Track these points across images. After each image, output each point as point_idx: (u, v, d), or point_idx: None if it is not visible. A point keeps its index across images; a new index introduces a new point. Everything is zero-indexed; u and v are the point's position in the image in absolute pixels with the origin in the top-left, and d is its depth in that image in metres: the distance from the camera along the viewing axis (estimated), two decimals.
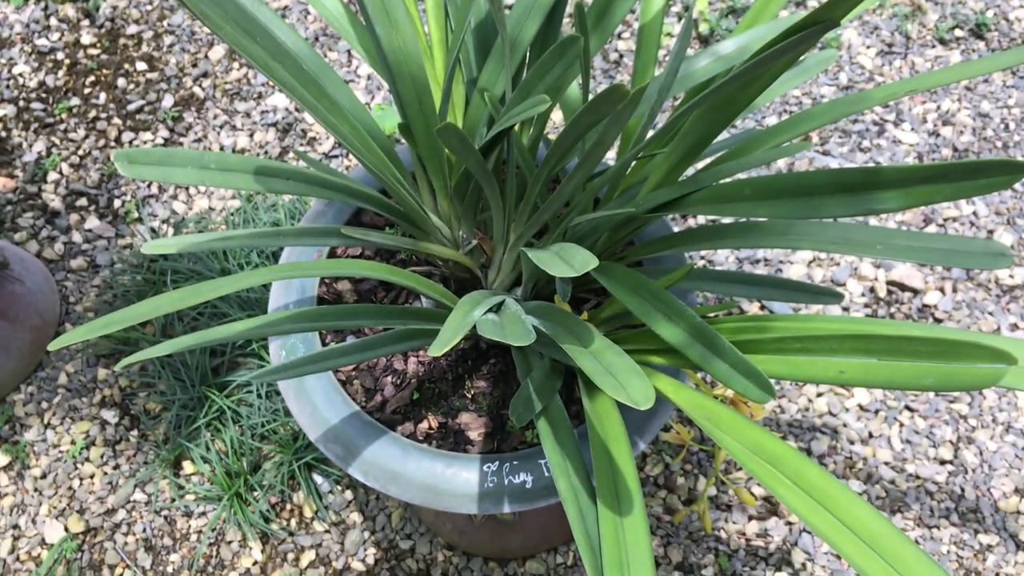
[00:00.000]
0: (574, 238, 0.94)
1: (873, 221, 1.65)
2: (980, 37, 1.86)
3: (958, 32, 1.87)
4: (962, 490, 1.42)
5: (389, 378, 1.02)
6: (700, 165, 1.41)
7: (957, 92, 1.79)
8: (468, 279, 1.06)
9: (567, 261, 0.59)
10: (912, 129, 1.75)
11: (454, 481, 0.94)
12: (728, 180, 0.82)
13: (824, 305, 1.54)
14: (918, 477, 1.43)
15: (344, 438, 0.97)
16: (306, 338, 1.02)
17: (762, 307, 1.58)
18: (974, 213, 1.66)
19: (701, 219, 1.67)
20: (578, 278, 1.00)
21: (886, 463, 1.44)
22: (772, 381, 0.83)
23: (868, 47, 1.86)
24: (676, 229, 1.10)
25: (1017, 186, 1.69)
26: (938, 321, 1.56)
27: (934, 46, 1.86)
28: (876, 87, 0.81)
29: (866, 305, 1.58)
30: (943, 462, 1.44)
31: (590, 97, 1.10)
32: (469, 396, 1.01)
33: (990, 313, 1.56)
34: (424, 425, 0.99)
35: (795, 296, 1.01)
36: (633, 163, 1.00)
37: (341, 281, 1.09)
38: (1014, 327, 1.55)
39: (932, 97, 1.78)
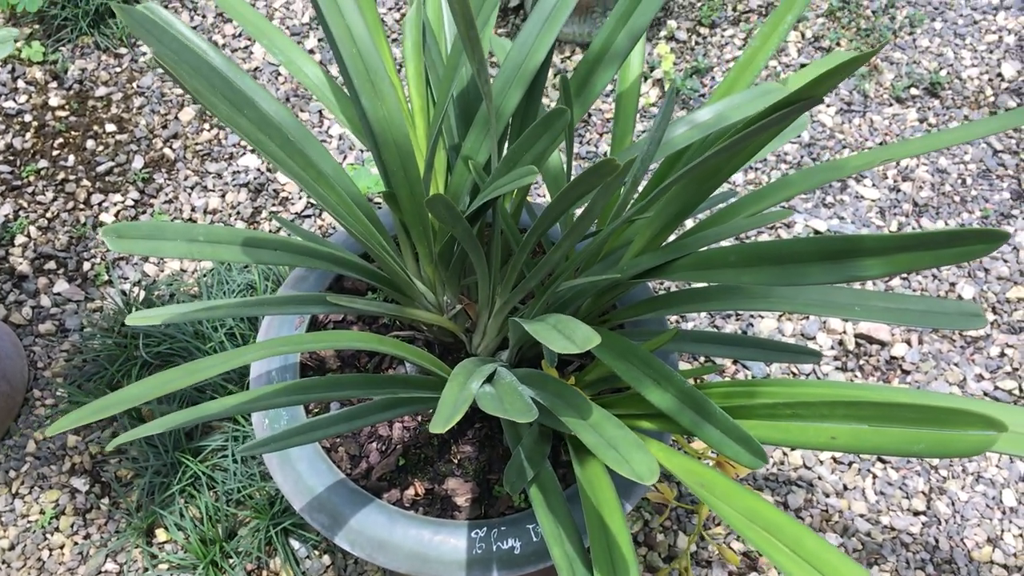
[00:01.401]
0: (559, 303, 0.95)
1: None
2: (935, 95, 1.92)
3: (913, 91, 1.93)
4: (936, 541, 1.43)
5: (374, 444, 1.02)
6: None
7: None
8: (452, 343, 1.06)
9: (568, 336, 0.59)
10: (874, 185, 1.80)
11: (442, 548, 0.94)
12: (712, 247, 0.84)
13: (801, 364, 1.56)
14: (893, 529, 1.44)
15: (329, 507, 0.96)
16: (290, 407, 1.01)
17: (735, 362, 1.60)
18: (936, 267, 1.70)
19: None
20: None
21: (861, 515, 1.46)
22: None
23: (828, 105, 1.91)
24: (655, 291, 1.11)
25: None
26: (906, 373, 1.59)
27: (891, 104, 1.92)
28: (852, 155, 0.83)
29: (836, 358, 1.61)
30: (916, 513, 1.46)
31: (574, 165, 1.12)
32: (455, 461, 1.01)
33: (956, 364, 1.60)
34: (410, 491, 0.99)
35: (775, 356, 1.03)
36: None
37: None
38: (979, 377, 1.58)
39: None
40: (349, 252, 0.95)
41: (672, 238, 0.93)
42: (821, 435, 0.71)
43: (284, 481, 0.99)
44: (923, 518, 1.46)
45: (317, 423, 0.86)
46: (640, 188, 1.16)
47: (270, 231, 1.71)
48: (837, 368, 1.59)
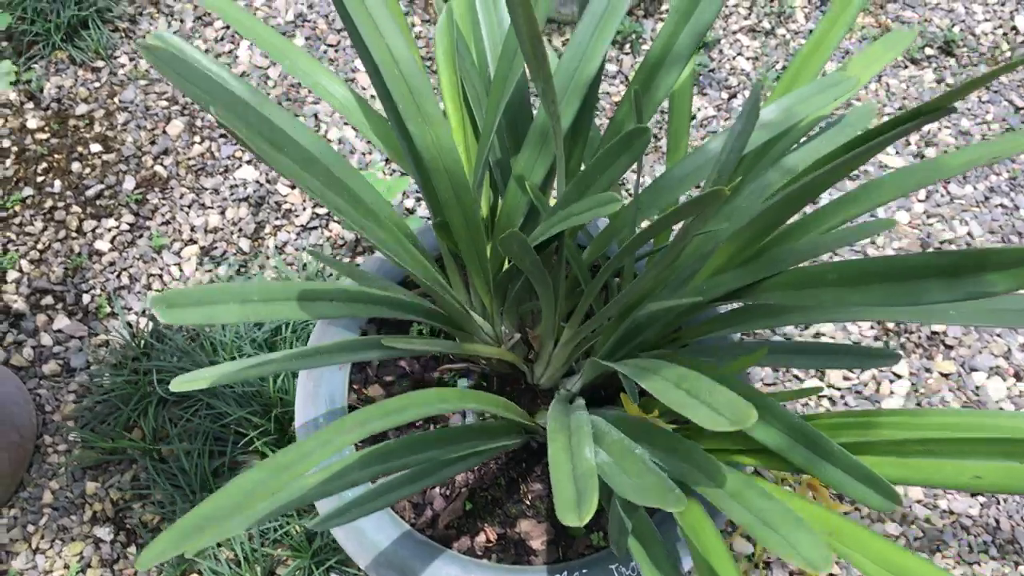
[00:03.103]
0: (632, 328, 0.88)
1: (872, 251, 1.63)
2: (950, 54, 1.86)
3: (928, 51, 1.87)
4: (997, 522, 1.39)
5: (438, 490, 0.95)
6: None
7: None
8: (510, 373, 0.99)
9: (710, 405, 0.52)
10: (896, 153, 1.74)
11: None
12: (809, 264, 0.77)
13: (879, 368, 1.48)
14: (952, 513, 1.40)
15: (398, 562, 0.89)
16: None
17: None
18: (968, 234, 1.65)
19: None
20: (627, 355, 0.95)
21: (919, 501, 1.41)
22: None
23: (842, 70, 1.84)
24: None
25: (1006, 202, 1.69)
26: (949, 348, 1.54)
27: (906, 66, 1.85)
28: (953, 153, 0.77)
29: (876, 338, 1.55)
30: (974, 494, 1.42)
31: (640, 186, 1.03)
32: (526, 501, 0.94)
33: (998, 335, 1.55)
34: (481, 538, 0.92)
35: (855, 362, 0.97)
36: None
37: (371, 387, 1.01)
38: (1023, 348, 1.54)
39: None
40: (405, 292, 0.88)
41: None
42: (962, 473, 0.64)
43: (346, 539, 0.92)
44: (981, 499, 1.41)
45: (388, 486, 0.79)
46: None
47: (275, 246, 1.63)
48: (880, 348, 1.54)
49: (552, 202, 0.91)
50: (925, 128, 1.77)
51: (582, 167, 0.95)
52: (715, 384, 0.55)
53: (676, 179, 0.89)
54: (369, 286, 0.83)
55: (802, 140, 0.94)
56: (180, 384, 0.79)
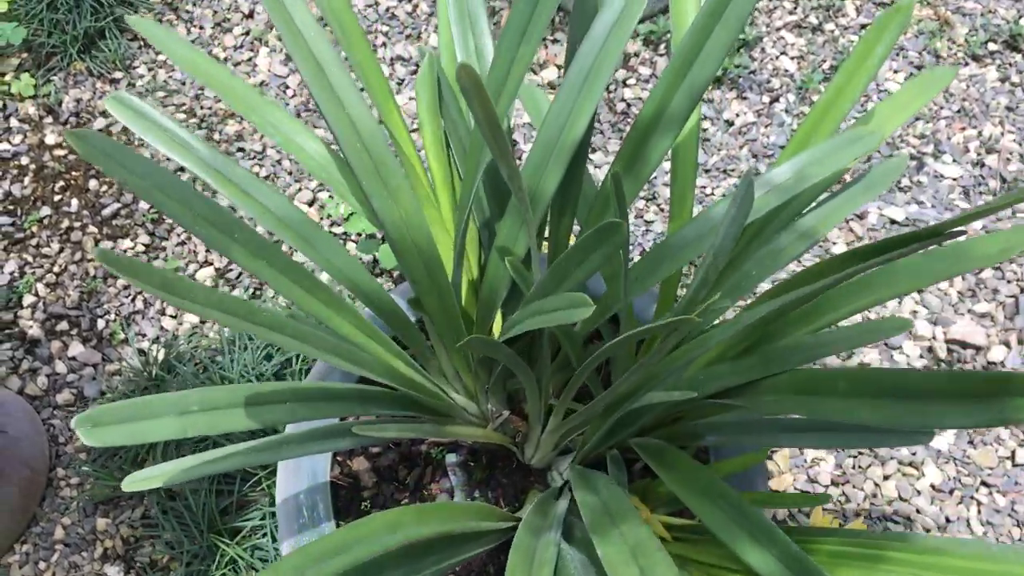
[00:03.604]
0: (625, 416, 0.80)
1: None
2: (1016, 49, 1.71)
3: (992, 46, 1.72)
4: None
5: None
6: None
7: (998, 115, 1.64)
8: (500, 451, 0.92)
9: None
10: (954, 160, 1.61)
11: None
12: (816, 368, 0.68)
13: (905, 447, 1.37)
14: None
15: None
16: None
17: None
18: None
19: None
20: (622, 440, 0.87)
21: None
22: None
23: (896, 72, 1.71)
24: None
25: None
26: None
27: (967, 64, 1.71)
28: (982, 236, 0.67)
29: (925, 367, 1.44)
30: None
31: (630, 263, 0.95)
32: None
33: None
34: None
35: (879, 440, 0.88)
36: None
37: (356, 459, 0.96)
38: None
39: (972, 122, 1.64)
40: (375, 386, 0.81)
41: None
42: None
43: None
44: None
45: None
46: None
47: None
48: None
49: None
50: (987, 134, 1.63)
51: (573, 233, 0.87)
52: (671, 567, 0.47)
53: (675, 248, 0.80)
54: (332, 384, 0.77)
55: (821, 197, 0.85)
56: (131, 485, 0.74)
